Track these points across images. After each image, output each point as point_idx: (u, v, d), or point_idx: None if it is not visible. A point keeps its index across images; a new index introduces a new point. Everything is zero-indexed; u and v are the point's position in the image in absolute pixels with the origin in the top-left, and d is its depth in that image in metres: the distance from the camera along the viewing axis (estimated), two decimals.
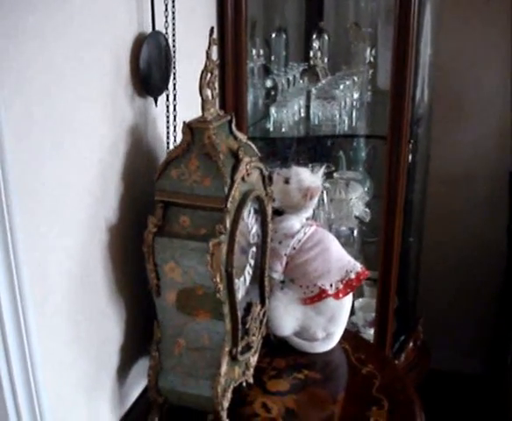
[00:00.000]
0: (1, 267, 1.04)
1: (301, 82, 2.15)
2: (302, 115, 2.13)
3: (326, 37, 2.36)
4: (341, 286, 1.63)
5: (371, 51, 2.37)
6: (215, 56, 1.33)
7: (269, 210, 1.50)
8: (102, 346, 1.37)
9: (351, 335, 1.79)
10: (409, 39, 1.94)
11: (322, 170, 1.69)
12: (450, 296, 2.93)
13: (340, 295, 1.62)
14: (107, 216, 1.33)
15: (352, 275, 1.65)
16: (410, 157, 2.08)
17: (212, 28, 1.33)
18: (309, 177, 1.66)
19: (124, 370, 1.45)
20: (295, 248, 1.65)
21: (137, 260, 1.34)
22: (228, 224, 1.27)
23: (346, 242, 2.23)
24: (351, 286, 1.64)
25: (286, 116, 2.02)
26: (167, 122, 1.47)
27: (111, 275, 1.36)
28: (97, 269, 1.32)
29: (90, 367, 1.33)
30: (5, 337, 1.08)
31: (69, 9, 1.14)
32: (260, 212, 1.48)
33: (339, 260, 1.66)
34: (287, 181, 1.65)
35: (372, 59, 2.36)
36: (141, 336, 1.46)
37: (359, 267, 1.67)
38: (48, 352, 1.16)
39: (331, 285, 1.62)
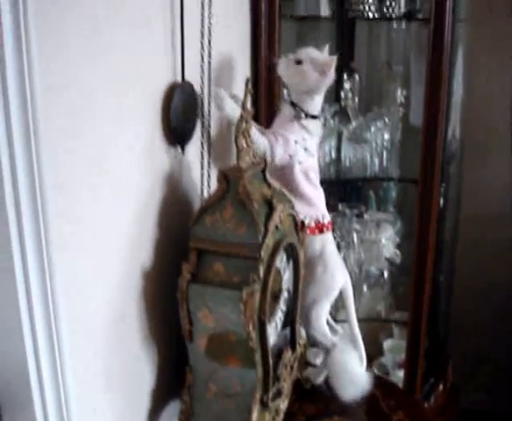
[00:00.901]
0: (40, 318, 1.07)
1: (332, 122, 2.16)
2: (333, 156, 2.14)
3: (357, 77, 2.37)
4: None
5: (402, 91, 2.37)
6: (249, 106, 1.35)
7: (301, 256, 1.51)
8: (135, 389, 1.38)
9: (381, 381, 1.78)
10: (442, 79, 1.95)
11: (327, 47, 1.63)
12: (480, 337, 2.89)
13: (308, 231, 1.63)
14: (142, 261, 1.35)
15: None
16: (442, 200, 2.08)
17: (248, 79, 1.35)
18: (319, 54, 1.60)
19: (155, 414, 1.46)
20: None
21: (170, 306, 1.35)
22: (261, 273, 1.28)
23: (376, 283, 2.23)
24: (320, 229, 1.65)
25: (317, 158, 2.03)
26: (201, 169, 1.49)
27: (145, 320, 1.38)
28: (132, 314, 1.34)
29: (124, 410, 1.34)
30: (42, 384, 1.10)
31: (109, 60, 1.17)
32: (292, 258, 1.49)
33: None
34: (299, 62, 1.58)
35: (403, 99, 2.36)
36: (173, 380, 1.47)
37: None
38: (84, 397, 1.18)
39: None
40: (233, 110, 1.49)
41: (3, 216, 0.99)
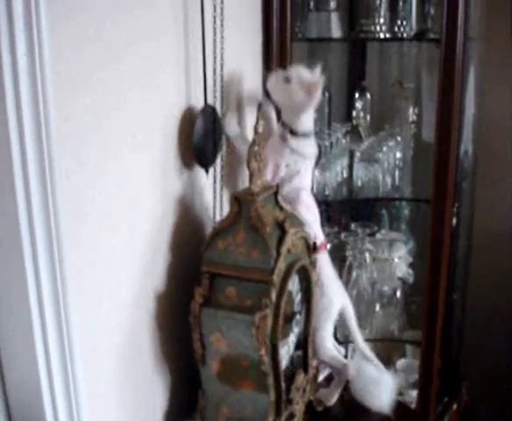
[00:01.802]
0: (54, 342, 1.08)
1: (343, 141, 2.16)
2: (345, 175, 2.13)
3: (369, 95, 2.37)
4: None
5: (414, 109, 2.37)
6: (261, 130, 1.36)
7: (313, 278, 1.51)
8: (147, 412, 1.39)
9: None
10: (454, 100, 1.93)
11: (319, 68, 1.60)
12: (495, 356, 2.86)
13: None
14: (155, 285, 1.36)
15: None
16: (455, 219, 2.07)
17: (260, 104, 1.36)
18: (308, 74, 1.58)
19: None
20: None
21: (183, 329, 1.36)
22: (273, 297, 1.29)
23: (389, 302, 2.21)
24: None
25: (329, 178, 2.03)
26: (214, 192, 1.50)
27: (158, 344, 1.38)
28: (144, 338, 1.35)
29: None
30: (56, 407, 1.11)
31: (123, 88, 1.19)
32: (304, 280, 1.49)
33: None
34: (287, 81, 1.56)
35: (415, 117, 2.36)
36: (186, 403, 1.47)
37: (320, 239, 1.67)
38: (97, 420, 1.18)
39: None
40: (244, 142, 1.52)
41: (19, 241, 1.01)
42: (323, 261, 1.67)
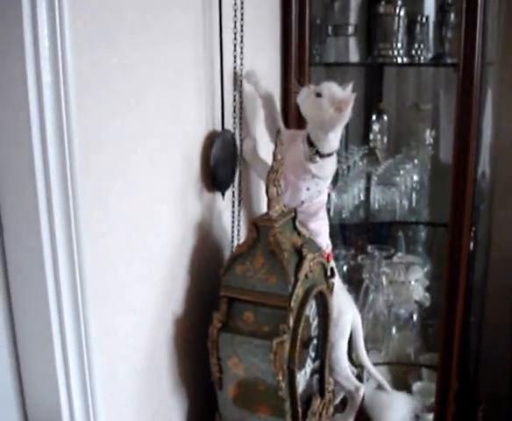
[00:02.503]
0: (75, 366, 1.09)
1: (360, 164, 2.17)
2: (362, 198, 2.14)
3: (386, 118, 2.38)
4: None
5: (431, 131, 2.38)
6: (280, 156, 1.37)
7: (331, 302, 1.51)
8: None
9: None
10: (471, 123, 1.94)
11: (350, 85, 1.59)
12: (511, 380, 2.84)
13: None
14: (174, 309, 1.37)
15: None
16: (472, 243, 2.07)
17: (278, 130, 1.38)
18: (340, 90, 1.56)
19: None
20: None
21: (200, 353, 1.37)
22: (291, 323, 1.29)
23: (405, 325, 2.21)
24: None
25: (346, 200, 2.05)
26: (233, 216, 1.51)
27: (176, 367, 1.39)
28: (163, 361, 1.36)
29: None
30: None
31: (146, 117, 1.21)
32: (322, 305, 1.50)
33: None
34: (318, 95, 1.54)
35: (432, 140, 2.36)
36: None
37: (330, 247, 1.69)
38: None
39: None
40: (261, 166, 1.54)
41: (41, 267, 1.02)
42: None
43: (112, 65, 1.11)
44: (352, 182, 2.08)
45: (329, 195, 1.74)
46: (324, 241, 1.66)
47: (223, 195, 1.49)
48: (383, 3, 1.99)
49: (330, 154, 1.58)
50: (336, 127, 1.55)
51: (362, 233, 2.24)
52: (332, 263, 1.69)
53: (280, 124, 1.67)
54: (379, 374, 1.79)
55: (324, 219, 1.68)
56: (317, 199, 1.62)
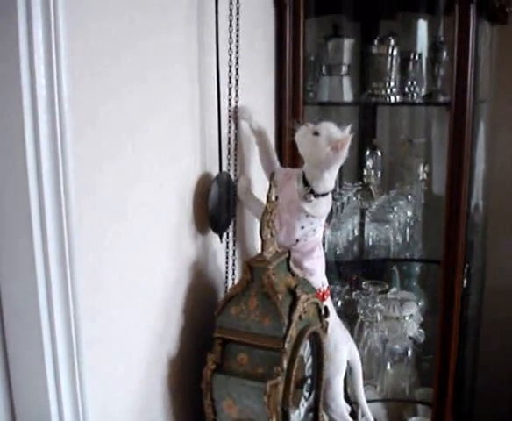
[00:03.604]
0: (68, 409, 1.09)
1: (354, 199, 2.18)
2: (356, 234, 2.16)
3: (379, 154, 2.40)
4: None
5: (424, 167, 2.40)
6: (274, 197, 1.39)
7: (325, 342, 1.52)
8: None
9: None
10: (464, 160, 1.96)
11: (349, 127, 1.60)
12: (507, 414, 2.83)
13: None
14: (168, 350, 1.38)
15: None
16: (465, 280, 2.08)
17: (273, 172, 1.40)
18: (338, 131, 1.57)
19: None
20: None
21: (195, 394, 1.37)
22: (285, 365, 1.30)
23: (400, 361, 2.21)
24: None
25: (340, 237, 2.06)
26: (227, 257, 1.52)
27: (169, 408, 1.39)
28: (156, 402, 1.36)
29: None
30: None
31: (141, 160, 1.23)
32: (316, 345, 1.50)
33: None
34: (316, 134, 1.55)
35: (425, 175, 2.38)
36: None
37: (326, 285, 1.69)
38: None
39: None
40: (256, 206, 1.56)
41: (37, 311, 1.03)
42: (329, 308, 1.62)
43: (108, 110, 1.13)
44: (347, 219, 2.10)
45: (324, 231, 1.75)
46: (320, 279, 1.66)
47: (220, 237, 1.50)
48: (376, 43, 2.02)
49: (324, 194, 1.59)
50: (331, 166, 1.57)
51: (356, 269, 2.25)
52: (329, 300, 1.70)
53: (276, 162, 1.69)
54: (371, 417, 1.79)
55: (320, 258, 1.68)
56: (312, 238, 1.63)
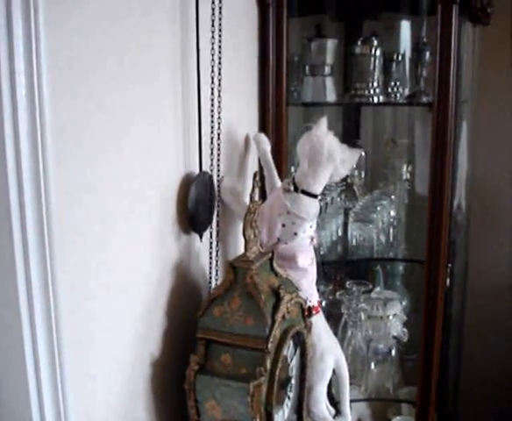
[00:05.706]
0: (50, 411, 1.08)
1: (338, 200, 2.19)
2: (340, 234, 2.16)
3: (363, 154, 2.40)
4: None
5: (407, 167, 2.41)
6: (257, 198, 1.39)
7: (309, 342, 1.52)
8: None
9: None
10: (446, 162, 1.97)
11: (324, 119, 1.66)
12: (491, 411, 2.85)
13: None
14: (151, 350, 1.37)
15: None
16: (448, 279, 2.09)
17: (255, 173, 1.40)
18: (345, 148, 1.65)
19: None
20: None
21: (178, 395, 1.36)
22: (268, 365, 1.30)
23: (384, 360, 2.22)
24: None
25: (324, 237, 2.06)
26: (210, 257, 1.52)
27: (153, 410, 1.39)
28: (140, 404, 1.35)
29: None
30: None
31: (123, 161, 1.22)
32: (300, 344, 1.50)
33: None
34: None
35: (408, 175, 2.39)
36: None
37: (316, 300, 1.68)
38: None
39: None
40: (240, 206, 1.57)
41: (18, 317, 1.02)
42: (316, 323, 1.64)
43: (90, 110, 1.12)
44: (330, 219, 2.10)
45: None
46: (305, 294, 1.58)
47: (200, 236, 1.49)
48: (359, 43, 2.02)
49: (305, 192, 1.59)
50: (323, 166, 1.59)
51: (340, 269, 2.26)
52: (321, 314, 1.69)
53: (278, 183, 1.72)
54: None
55: (305, 271, 1.64)
56: (293, 242, 1.61)
